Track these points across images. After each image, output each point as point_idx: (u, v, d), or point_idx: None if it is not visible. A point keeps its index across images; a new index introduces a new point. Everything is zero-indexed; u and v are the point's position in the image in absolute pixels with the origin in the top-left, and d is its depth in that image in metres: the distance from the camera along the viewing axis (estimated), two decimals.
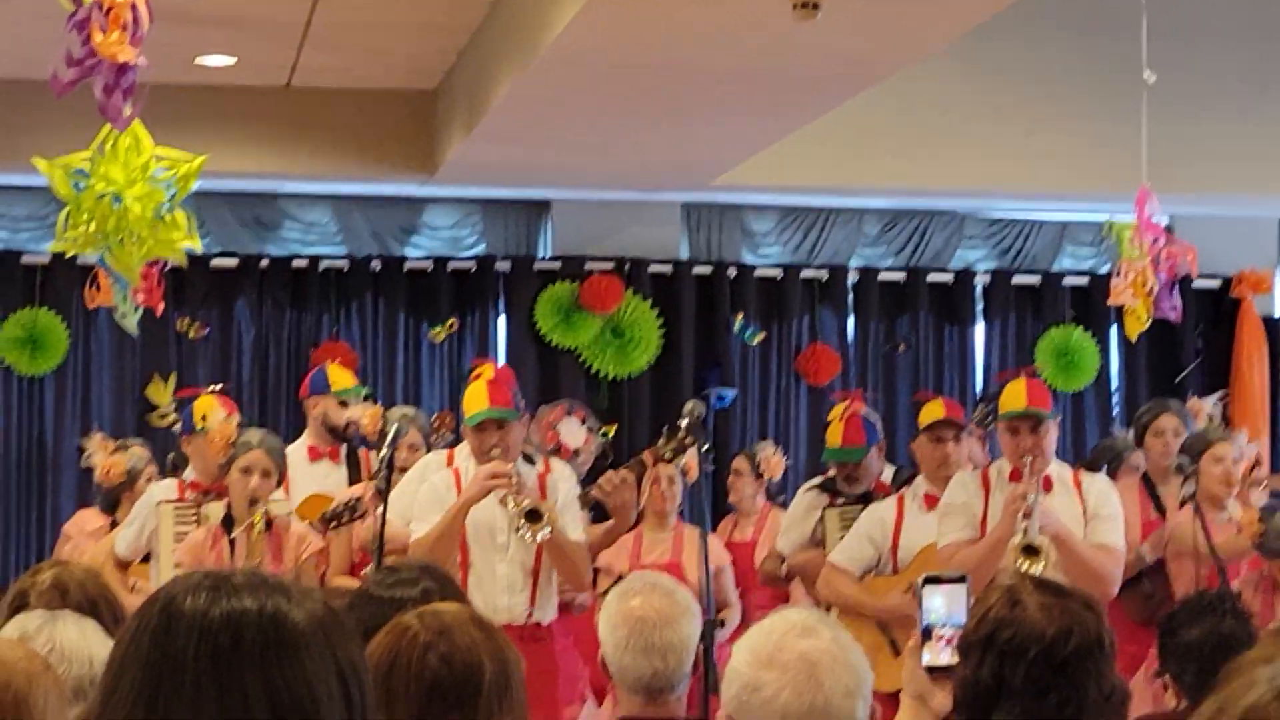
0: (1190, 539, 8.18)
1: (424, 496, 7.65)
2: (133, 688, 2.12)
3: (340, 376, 9.40)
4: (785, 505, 9.51)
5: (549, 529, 7.34)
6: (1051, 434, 7.60)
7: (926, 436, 8.33)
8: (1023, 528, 7.24)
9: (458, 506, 7.50)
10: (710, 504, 7.28)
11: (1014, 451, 7.52)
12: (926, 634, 3.85)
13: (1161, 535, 8.40)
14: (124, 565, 8.59)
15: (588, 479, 8.68)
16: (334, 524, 8.11)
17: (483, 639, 3.41)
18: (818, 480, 9.19)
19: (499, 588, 7.60)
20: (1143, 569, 8.34)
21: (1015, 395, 7.60)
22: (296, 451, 9.00)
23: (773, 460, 9.23)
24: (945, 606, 4.02)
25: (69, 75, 5.78)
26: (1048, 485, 7.54)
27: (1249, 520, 8.03)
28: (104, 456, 9.79)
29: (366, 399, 9.59)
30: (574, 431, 8.95)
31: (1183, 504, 7.78)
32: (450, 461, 7.93)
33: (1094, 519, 7.57)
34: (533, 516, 7.36)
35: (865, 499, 8.69)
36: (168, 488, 8.60)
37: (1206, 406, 9.35)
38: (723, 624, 7.60)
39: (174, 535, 8.29)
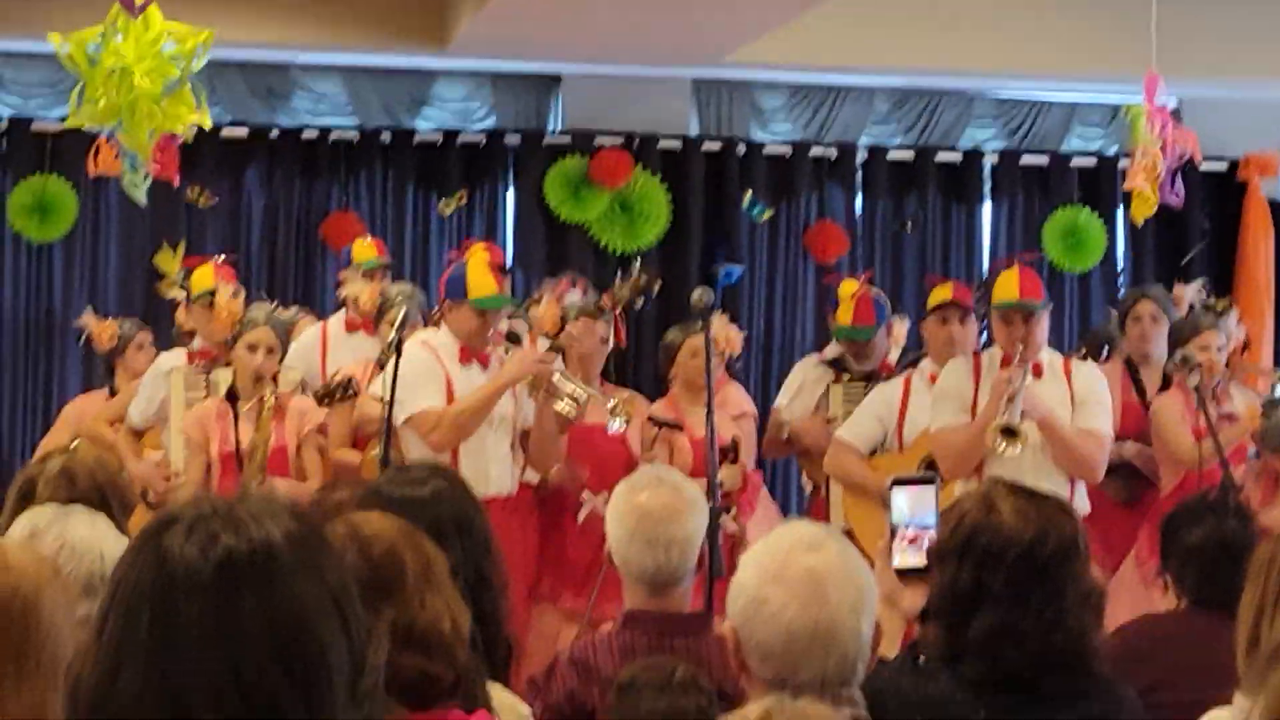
0: (1174, 422, 8.26)
1: (412, 373, 7.59)
2: (138, 659, 2.15)
3: (362, 250, 9.56)
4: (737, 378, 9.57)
5: (627, 418, 7.73)
6: (1043, 323, 7.70)
7: (933, 318, 8.45)
8: (1005, 410, 7.36)
9: (499, 385, 7.63)
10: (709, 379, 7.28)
11: (1006, 340, 7.64)
12: (893, 535, 3.90)
13: (1145, 450, 8.48)
14: (139, 434, 8.69)
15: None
16: (327, 401, 8.18)
17: (397, 533, 3.47)
18: (829, 355, 9.27)
19: (489, 460, 7.70)
20: (1121, 460, 8.40)
21: (1008, 285, 7.70)
22: (334, 324, 9.18)
23: (732, 337, 9.19)
24: (910, 507, 4.07)
25: None
26: (1038, 372, 7.64)
27: (1251, 413, 8.09)
28: (95, 323, 9.85)
29: (389, 274, 9.65)
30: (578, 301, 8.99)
31: (1200, 402, 7.82)
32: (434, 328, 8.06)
33: (1081, 405, 7.68)
34: (615, 409, 7.75)
35: (870, 377, 8.80)
36: (177, 356, 8.69)
37: (1188, 294, 9.39)
38: (728, 510, 7.58)
39: (184, 402, 8.40)
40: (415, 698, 3.34)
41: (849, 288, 9.22)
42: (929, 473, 4.05)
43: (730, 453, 8.12)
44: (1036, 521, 3.93)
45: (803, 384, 9.19)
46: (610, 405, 7.74)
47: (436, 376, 7.67)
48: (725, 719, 2.52)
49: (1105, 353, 9.46)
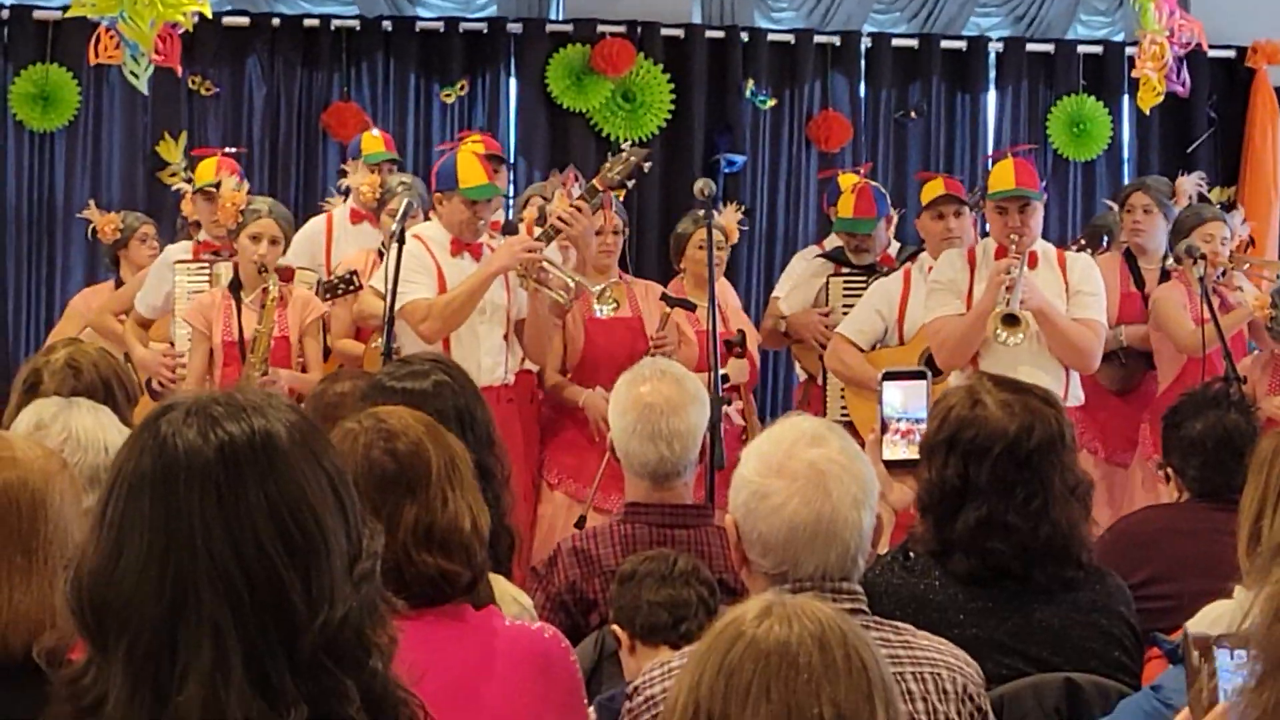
0: (1175, 309, 8.28)
1: (403, 265, 7.56)
2: (141, 547, 2.18)
3: (370, 142, 9.57)
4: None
5: (615, 304, 7.76)
6: (1038, 214, 7.69)
7: (929, 213, 8.46)
8: (1004, 299, 7.37)
9: (486, 275, 7.63)
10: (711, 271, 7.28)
11: (1001, 230, 7.61)
12: (884, 428, 3.91)
13: (1139, 329, 8.49)
14: (146, 325, 8.73)
15: None
16: (329, 295, 8.22)
17: (423, 431, 3.49)
18: (828, 248, 9.27)
19: (481, 350, 7.72)
20: (1117, 346, 8.43)
21: (1004, 175, 7.67)
22: (340, 214, 9.19)
23: (731, 228, 9.14)
24: (902, 401, 4.09)
25: None
26: (1033, 262, 7.64)
27: (1260, 303, 8.09)
28: (98, 216, 9.85)
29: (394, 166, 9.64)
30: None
31: (1203, 291, 7.82)
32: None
33: (1076, 294, 7.68)
34: (602, 295, 7.76)
35: (870, 270, 8.80)
36: (183, 249, 8.77)
37: (1187, 186, 9.37)
38: (729, 402, 7.57)
39: (188, 294, 8.44)
40: (430, 594, 3.36)
41: (849, 180, 9.22)
42: (920, 367, 4.05)
43: (737, 346, 8.10)
44: (1021, 415, 3.96)
45: (802, 276, 9.19)
46: (597, 290, 7.71)
47: (427, 268, 7.68)
48: (724, 614, 2.53)
49: (1105, 243, 9.46)
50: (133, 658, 2.18)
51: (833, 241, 9.32)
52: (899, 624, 3.49)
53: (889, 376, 4.05)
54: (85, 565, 2.22)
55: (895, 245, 9.32)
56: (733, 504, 3.47)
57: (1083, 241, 9.03)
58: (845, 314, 8.56)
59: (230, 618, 2.16)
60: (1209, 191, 12.23)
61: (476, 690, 3.33)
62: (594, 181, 8.23)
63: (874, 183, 9.18)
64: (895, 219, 9.41)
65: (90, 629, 2.22)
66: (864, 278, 8.76)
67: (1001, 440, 3.94)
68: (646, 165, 8.51)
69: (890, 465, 4.12)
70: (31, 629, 2.88)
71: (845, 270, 8.92)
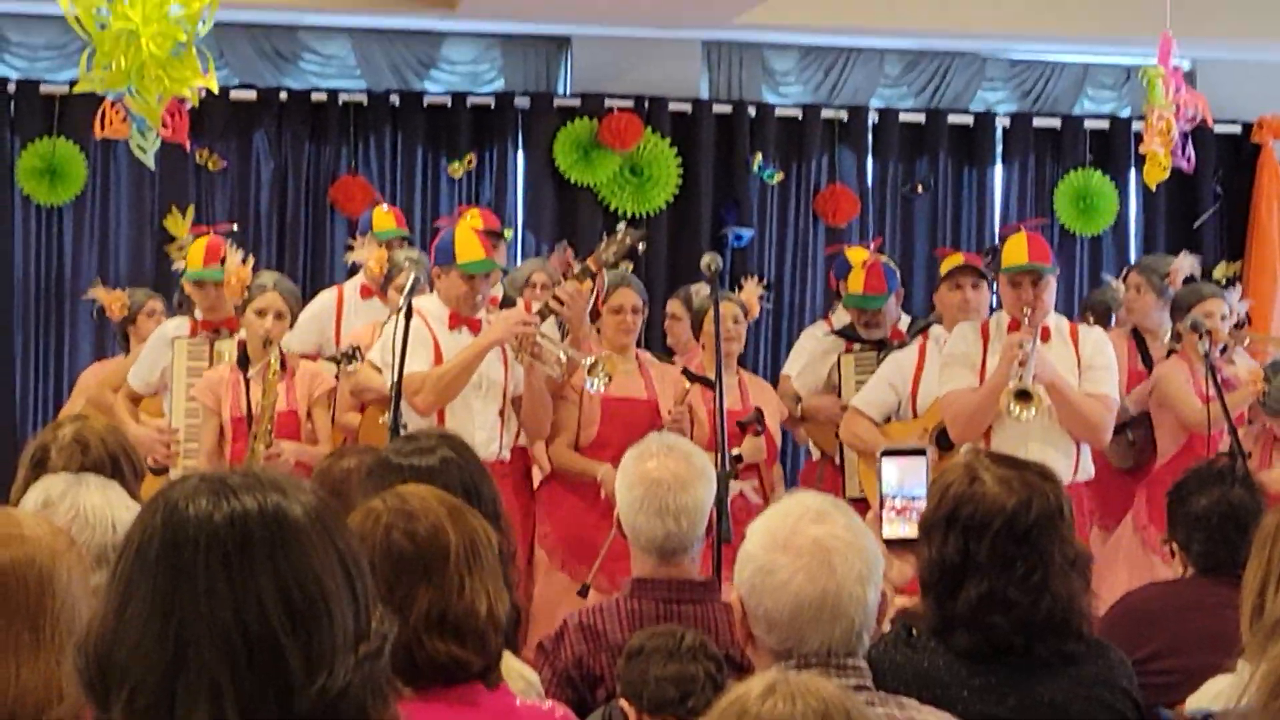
0: (1180, 387, 8.33)
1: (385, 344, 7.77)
2: (146, 603, 2.19)
3: (381, 219, 9.59)
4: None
5: (607, 378, 7.70)
6: (1050, 288, 7.74)
7: (946, 284, 8.56)
8: (1017, 374, 7.42)
9: (480, 347, 7.68)
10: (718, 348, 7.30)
11: (1014, 304, 7.67)
12: (881, 505, 3.91)
13: (1144, 389, 8.53)
14: (136, 400, 8.74)
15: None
16: (335, 369, 8.27)
17: (446, 514, 3.48)
18: (838, 324, 9.29)
19: (475, 424, 7.73)
20: (1126, 419, 8.46)
21: (1017, 250, 7.72)
22: (350, 289, 9.23)
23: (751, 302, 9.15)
24: (899, 478, 4.08)
25: None
26: (1045, 336, 7.69)
27: (1254, 378, 8.13)
28: (105, 294, 9.87)
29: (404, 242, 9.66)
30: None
31: (1208, 368, 7.86)
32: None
33: (1088, 369, 7.73)
34: (594, 368, 7.72)
35: (881, 345, 8.83)
36: (180, 325, 8.75)
37: (1184, 266, 9.47)
38: (735, 475, 7.50)
39: (186, 370, 8.46)
40: (441, 678, 3.35)
41: (858, 255, 9.24)
42: (919, 445, 4.05)
43: (754, 424, 8.09)
44: (1019, 490, 3.96)
45: (813, 355, 9.20)
46: (588, 364, 7.71)
47: (424, 341, 7.71)
48: (729, 692, 2.52)
49: (1112, 320, 9.51)
50: (132, 711, 2.18)
51: (842, 317, 9.33)
52: (903, 699, 3.48)
53: (888, 454, 4.05)
54: (91, 628, 2.24)
55: (905, 319, 9.34)
56: (738, 580, 3.47)
57: (1091, 319, 9.06)
58: (858, 388, 8.56)
59: (229, 676, 2.16)
60: (1215, 266, 12.33)
61: None
62: (588, 262, 8.31)
63: (884, 258, 9.20)
64: (903, 293, 9.43)
65: (94, 686, 2.23)
66: (875, 354, 8.79)
67: (1000, 516, 3.94)
68: (641, 246, 8.59)
69: (888, 543, 4.11)
70: (38, 705, 2.89)
71: (856, 347, 8.94)
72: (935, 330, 8.55)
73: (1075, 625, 3.98)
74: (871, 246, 9.61)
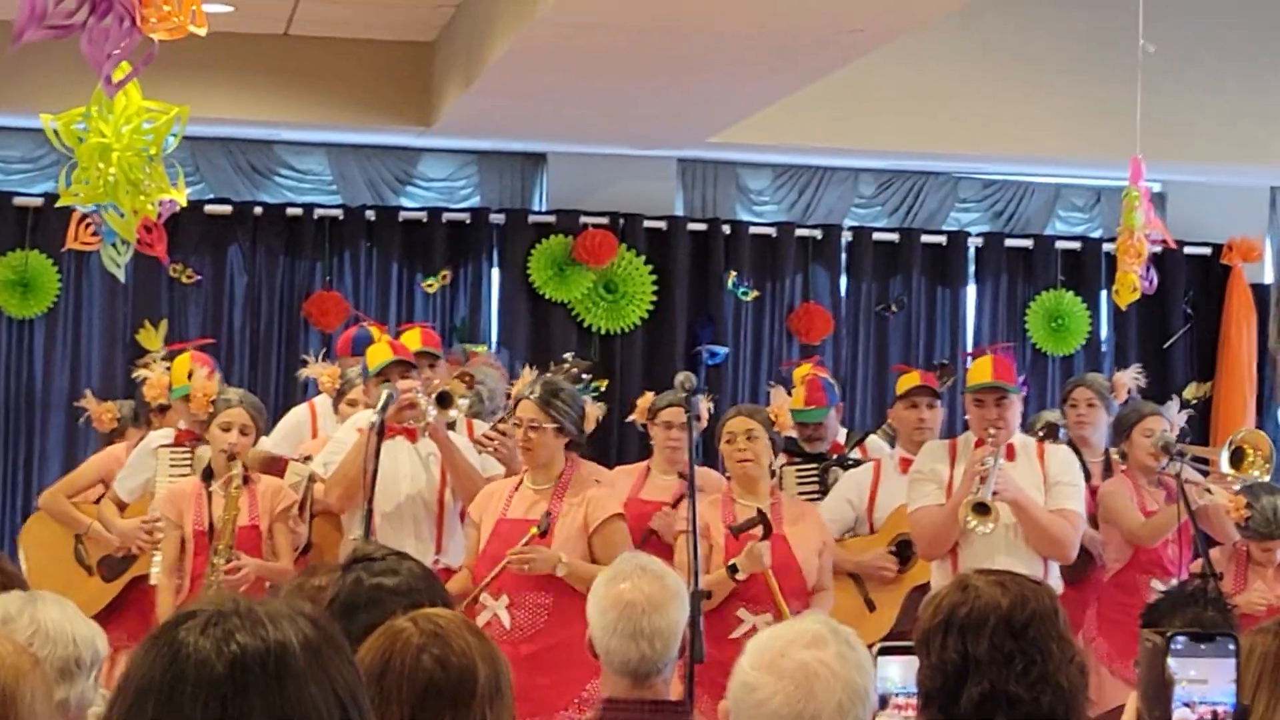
0: (1123, 502, 8.53)
1: (327, 451, 8.19)
2: None
3: (378, 353, 9.41)
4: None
5: (461, 411, 7.99)
6: (1015, 407, 7.90)
7: (903, 404, 8.76)
8: (976, 488, 7.55)
9: (363, 433, 7.71)
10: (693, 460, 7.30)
11: (979, 423, 7.81)
12: (883, 703, 3.87)
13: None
14: (121, 507, 8.79)
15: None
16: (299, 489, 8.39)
17: (476, 643, 3.43)
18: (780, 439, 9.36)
19: (406, 532, 7.81)
20: None
21: (981, 369, 7.90)
22: (322, 402, 9.32)
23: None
24: (901, 676, 4.05)
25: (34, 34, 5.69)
26: (1011, 454, 7.81)
27: (1236, 504, 8.17)
28: (95, 405, 9.87)
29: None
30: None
31: (1180, 488, 7.97)
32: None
33: (1054, 486, 7.84)
34: (443, 400, 7.94)
35: (820, 458, 8.91)
36: (165, 435, 8.83)
37: (1126, 380, 9.63)
38: (708, 595, 7.33)
39: (169, 478, 8.52)
40: None
41: (800, 371, 9.37)
42: (910, 643, 4.02)
43: (753, 527, 7.65)
44: (1013, 591, 3.97)
45: None
46: (435, 396, 7.95)
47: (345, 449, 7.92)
48: None
49: (1060, 438, 9.58)
50: None
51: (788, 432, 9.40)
52: None
53: (885, 652, 4.01)
54: None
55: (844, 433, 9.53)
56: (728, 691, 3.45)
57: (1042, 434, 9.13)
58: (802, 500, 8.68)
59: None
60: (1185, 386, 12.38)
61: None
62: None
63: (823, 374, 9.32)
64: (843, 408, 9.52)
65: None
66: (814, 465, 8.99)
67: (995, 612, 3.93)
68: (586, 376, 9.00)
69: None
70: None
71: (797, 459, 9.05)
72: (873, 441, 9.05)
73: None
74: (812, 361, 9.75)
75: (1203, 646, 2.55)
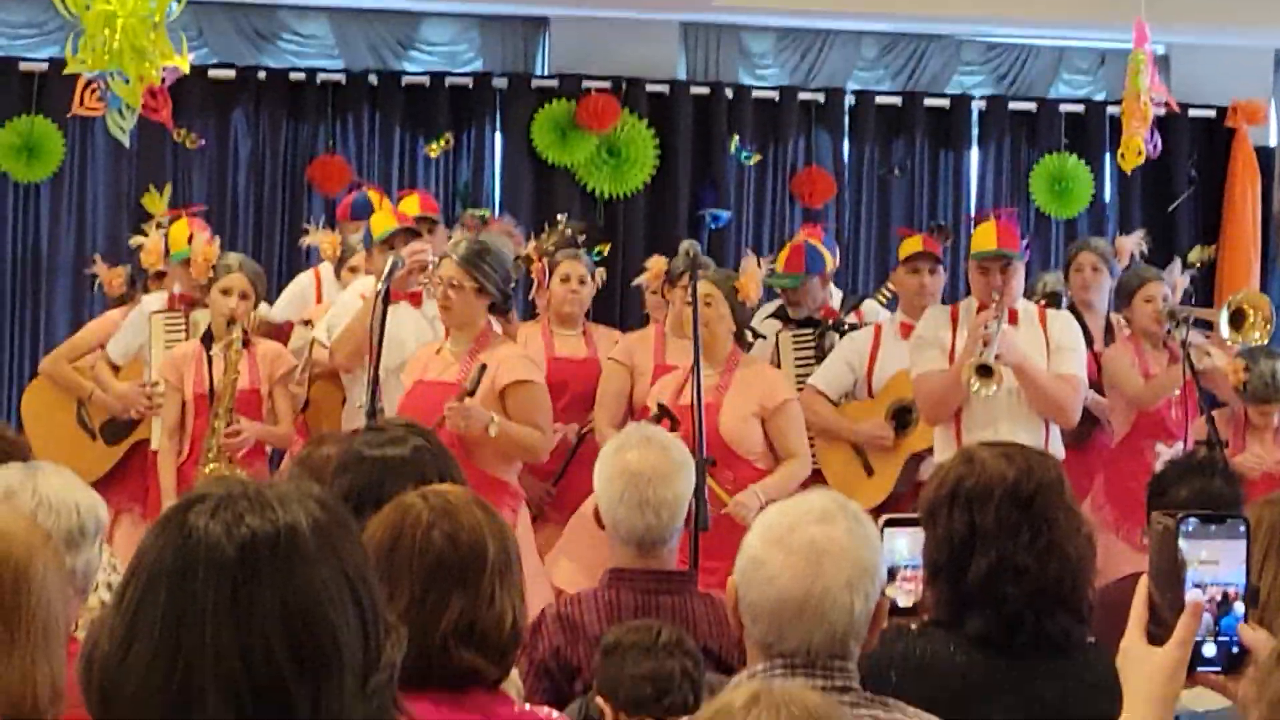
0: (1125, 368, 8.51)
1: (334, 315, 8.25)
2: (152, 639, 2.17)
3: (382, 221, 9.41)
4: None
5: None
6: (1019, 273, 7.91)
7: (904, 268, 8.77)
8: (980, 351, 7.55)
9: (371, 297, 7.61)
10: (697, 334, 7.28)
11: (983, 289, 7.81)
12: (891, 575, 3.90)
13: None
14: (115, 370, 8.83)
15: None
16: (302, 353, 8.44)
17: (486, 519, 3.46)
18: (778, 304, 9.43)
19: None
20: None
21: (986, 236, 7.88)
22: (327, 269, 9.34)
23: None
24: (909, 549, 4.08)
25: None
26: (1013, 319, 7.83)
27: (1234, 367, 8.19)
28: (105, 271, 9.88)
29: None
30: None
31: (1185, 355, 8.01)
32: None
33: (1056, 351, 7.87)
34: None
35: (811, 324, 8.91)
36: (158, 299, 8.85)
37: (1129, 244, 9.60)
38: (713, 462, 7.29)
39: (164, 344, 8.55)
40: (453, 684, 3.34)
41: (796, 239, 9.41)
42: (916, 515, 4.04)
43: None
44: (1019, 461, 4.01)
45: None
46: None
47: (352, 313, 7.95)
48: (713, 702, 2.53)
49: (1061, 306, 9.59)
50: None
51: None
52: (889, 700, 3.49)
53: (891, 523, 4.03)
54: (98, 649, 2.22)
55: (838, 296, 9.59)
56: (736, 566, 3.49)
57: (1043, 301, 9.13)
58: (796, 365, 8.78)
59: None
60: (1190, 249, 12.37)
61: None
62: (528, 251, 8.66)
63: (815, 240, 9.28)
64: (831, 273, 9.43)
65: (98, 713, 2.22)
66: (809, 331, 8.98)
67: (1001, 484, 3.97)
68: (581, 238, 8.94)
69: (904, 614, 4.10)
70: (12, 702, 2.89)
71: (793, 325, 9.09)
72: (869, 306, 9.17)
73: (1083, 595, 4.00)
74: (806, 229, 9.82)
75: (1213, 528, 2.58)
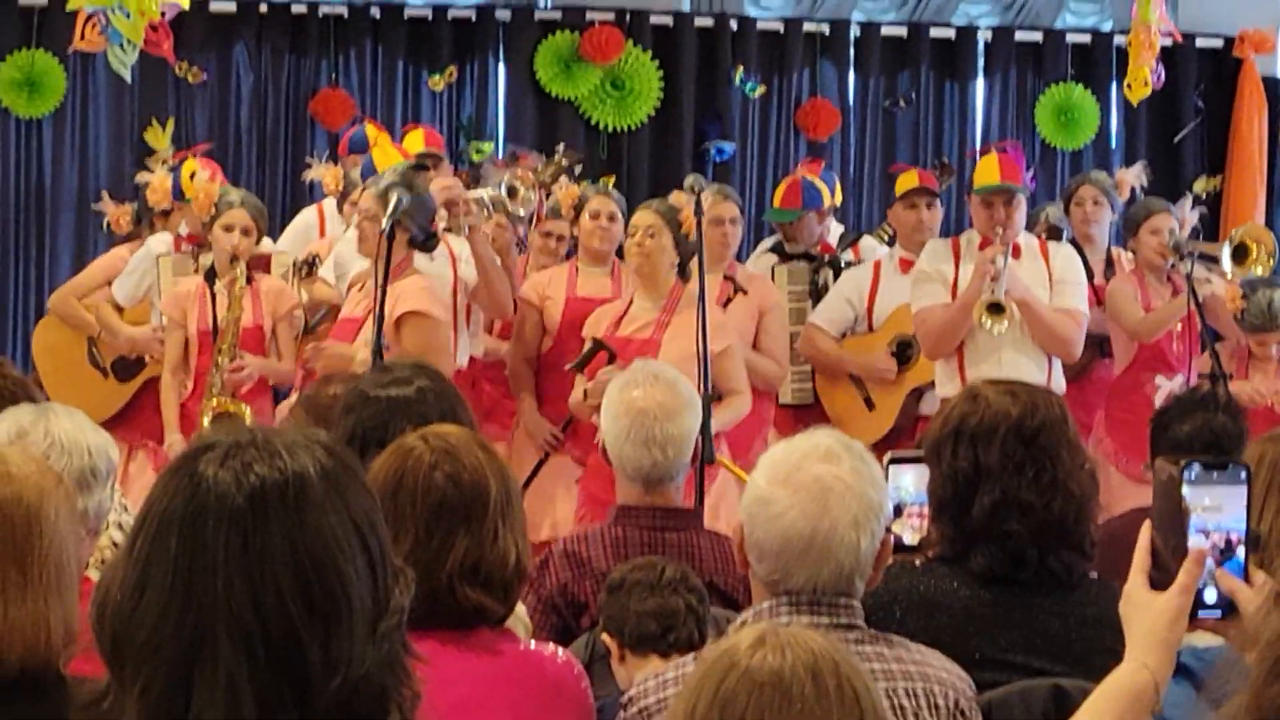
0: (1126, 300, 8.46)
1: (345, 249, 8.21)
2: (164, 587, 2.18)
3: (388, 159, 9.41)
4: None
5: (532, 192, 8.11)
6: (1022, 207, 7.92)
7: (901, 204, 8.76)
8: (989, 288, 7.61)
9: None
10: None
11: (987, 223, 7.82)
12: (897, 511, 3.91)
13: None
14: (119, 311, 8.81)
15: None
16: (296, 277, 8.45)
17: (487, 459, 3.47)
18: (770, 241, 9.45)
19: None
20: None
21: (989, 170, 7.89)
22: (330, 205, 9.35)
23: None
24: (915, 485, 4.08)
25: None
26: (1016, 253, 7.86)
27: (1232, 295, 8.19)
28: (112, 208, 9.85)
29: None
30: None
31: (1190, 289, 8.00)
32: None
33: (1059, 284, 7.92)
34: (512, 192, 8.23)
35: (808, 258, 8.92)
36: (164, 241, 8.82)
37: (1130, 177, 9.56)
38: (719, 398, 7.27)
39: (173, 284, 8.53)
40: (460, 623, 3.36)
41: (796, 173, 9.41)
42: (921, 451, 4.05)
43: (598, 351, 7.55)
44: (1023, 398, 4.03)
45: (755, 268, 9.30)
46: (505, 189, 8.15)
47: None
48: (719, 642, 2.54)
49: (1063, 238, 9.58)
50: (147, 697, 2.18)
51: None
52: (892, 637, 3.51)
53: (896, 461, 4.04)
54: (110, 596, 2.23)
55: (838, 231, 9.58)
56: (741, 506, 3.50)
57: (1045, 236, 9.13)
58: (791, 300, 8.77)
59: (245, 669, 2.16)
60: (1195, 180, 12.35)
61: (485, 716, 3.33)
62: (519, 180, 8.60)
63: (813, 176, 9.27)
64: (830, 209, 9.39)
65: (110, 660, 2.23)
66: (806, 266, 8.99)
67: (1005, 421, 3.99)
68: (577, 167, 9.01)
69: (909, 551, 4.11)
70: (26, 644, 2.91)
71: (790, 259, 9.09)
72: (866, 242, 9.18)
73: (1086, 531, 4.02)
74: (805, 163, 9.80)
75: (1215, 475, 2.59)
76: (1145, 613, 2.64)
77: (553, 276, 8.38)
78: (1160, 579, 2.63)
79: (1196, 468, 2.58)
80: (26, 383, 5.10)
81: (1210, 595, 2.62)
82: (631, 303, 7.63)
